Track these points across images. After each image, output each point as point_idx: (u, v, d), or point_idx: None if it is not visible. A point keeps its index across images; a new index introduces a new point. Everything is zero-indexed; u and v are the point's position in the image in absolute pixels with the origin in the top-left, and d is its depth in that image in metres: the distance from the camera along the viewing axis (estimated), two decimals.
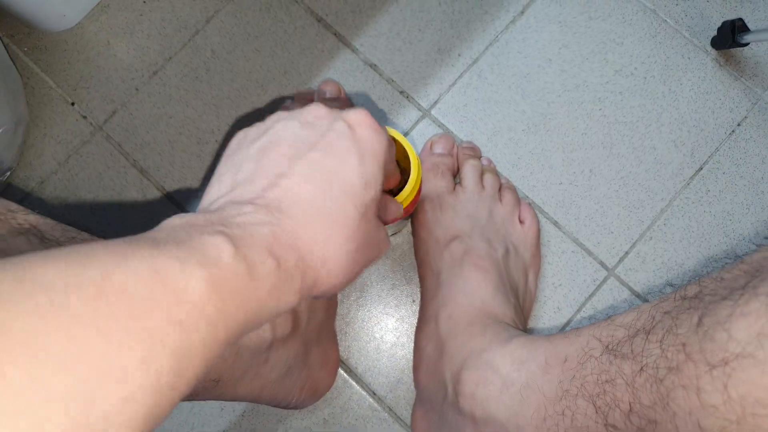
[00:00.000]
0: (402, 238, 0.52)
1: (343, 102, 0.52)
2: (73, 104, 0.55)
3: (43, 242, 0.30)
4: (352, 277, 0.27)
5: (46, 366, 0.15)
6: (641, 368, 0.29)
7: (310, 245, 0.24)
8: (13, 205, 0.32)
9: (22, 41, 0.56)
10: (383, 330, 0.51)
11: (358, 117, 0.27)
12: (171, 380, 0.18)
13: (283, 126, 0.27)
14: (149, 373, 0.17)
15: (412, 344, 0.50)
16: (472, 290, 0.45)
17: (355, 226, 0.25)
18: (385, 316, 0.51)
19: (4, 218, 0.31)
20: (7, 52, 0.51)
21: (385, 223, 0.34)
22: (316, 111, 0.28)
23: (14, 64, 0.52)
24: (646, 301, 0.51)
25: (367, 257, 0.27)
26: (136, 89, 0.55)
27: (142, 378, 0.17)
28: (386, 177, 0.29)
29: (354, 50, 0.55)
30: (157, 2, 0.56)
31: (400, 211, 0.35)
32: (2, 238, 0.28)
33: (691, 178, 0.53)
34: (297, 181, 0.25)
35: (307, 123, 0.27)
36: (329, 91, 0.52)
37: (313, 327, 0.47)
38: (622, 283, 0.51)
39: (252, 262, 0.21)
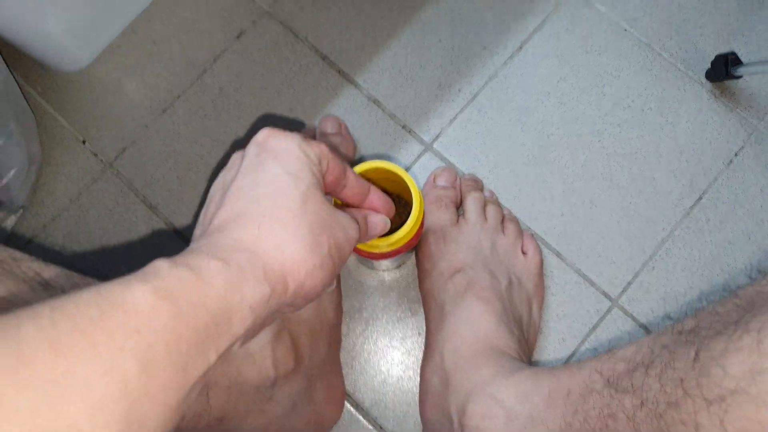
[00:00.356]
0: (406, 270, 0.53)
1: (343, 137, 0.54)
2: (84, 142, 0.56)
3: (47, 290, 0.31)
4: (326, 260, 0.27)
5: (5, 387, 0.16)
6: (641, 403, 0.30)
7: (255, 241, 0.25)
8: (18, 254, 0.33)
9: (36, 82, 0.57)
10: (389, 363, 0.51)
11: (262, 134, 0.29)
12: (142, 383, 0.19)
13: (213, 185, 0.30)
14: (114, 379, 0.18)
15: (419, 377, 0.50)
16: (476, 322, 0.46)
17: (297, 212, 0.26)
18: (391, 349, 0.51)
19: (9, 267, 0.31)
20: (22, 93, 0.53)
21: (371, 237, 0.35)
22: (234, 155, 0.31)
23: (28, 104, 0.54)
24: (649, 331, 0.51)
25: (332, 238, 0.28)
26: (146, 126, 0.56)
27: (108, 384, 0.18)
28: (330, 170, 0.30)
29: (357, 86, 0.57)
30: (167, 42, 0.58)
31: (386, 224, 0.36)
32: (7, 288, 0.29)
33: (691, 207, 0.54)
34: (227, 208, 0.27)
35: (228, 168, 0.30)
36: (330, 126, 0.53)
37: (317, 362, 0.47)
38: (626, 313, 0.52)
39: (195, 266, 0.22)
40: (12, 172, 0.50)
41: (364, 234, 0.33)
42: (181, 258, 0.23)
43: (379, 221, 0.35)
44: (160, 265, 0.22)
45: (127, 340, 0.19)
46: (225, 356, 0.23)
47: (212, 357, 0.21)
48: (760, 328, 0.25)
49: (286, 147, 0.28)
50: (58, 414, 0.17)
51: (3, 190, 0.50)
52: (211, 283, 0.22)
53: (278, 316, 0.28)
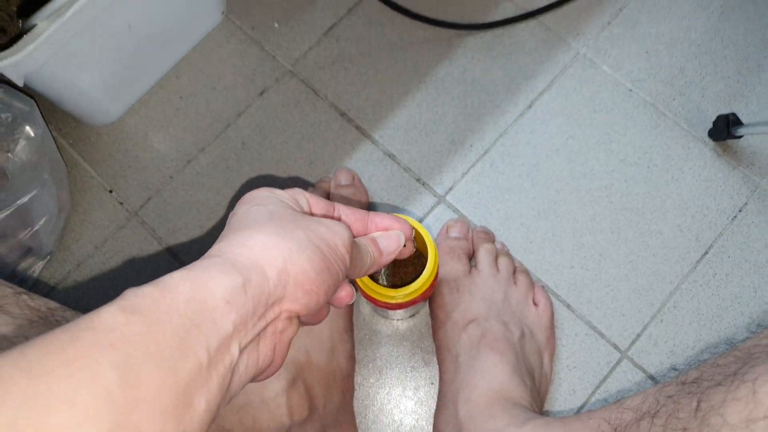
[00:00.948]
0: (420, 319, 0.54)
1: (357, 187, 0.56)
2: (111, 191, 0.59)
3: None
4: (306, 245, 0.27)
5: None
6: None
7: (220, 248, 0.26)
8: (52, 303, 0.34)
9: (69, 134, 0.60)
10: (402, 413, 0.52)
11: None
12: (127, 392, 0.19)
13: None
14: (96, 391, 0.18)
15: (431, 427, 0.50)
16: (489, 373, 0.47)
17: (263, 221, 0.28)
18: (404, 398, 0.52)
19: (44, 316, 0.33)
20: (56, 145, 0.55)
21: (389, 254, 0.34)
22: None
23: (61, 155, 0.56)
24: (658, 383, 0.52)
25: (309, 231, 0.28)
26: (171, 177, 0.59)
27: (90, 397, 0.18)
28: (313, 206, 0.32)
29: (374, 142, 0.59)
30: (193, 98, 0.61)
31: (400, 238, 0.35)
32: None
33: (698, 262, 0.55)
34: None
35: None
36: (344, 178, 0.56)
37: (331, 410, 0.48)
38: (636, 365, 0.52)
39: (158, 282, 0.23)
40: (43, 220, 0.53)
41: (379, 256, 0.33)
42: (148, 283, 0.23)
43: (392, 236, 0.34)
44: (127, 290, 0.22)
45: (102, 354, 0.19)
46: (223, 358, 0.23)
47: (203, 356, 0.22)
48: (755, 379, 0.27)
49: (254, 193, 0.30)
50: (42, 428, 0.17)
51: (33, 237, 0.52)
52: (175, 290, 0.23)
53: (281, 316, 0.26)
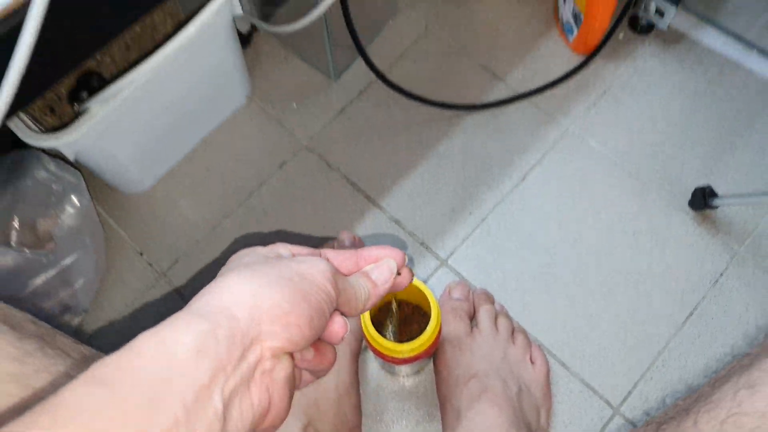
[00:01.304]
0: (425, 376, 0.58)
1: (356, 247, 0.61)
2: (141, 254, 0.64)
3: None
4: (279, 280, 0.26)
5: None
6: None
7: (193, 299, 0.26)
8: (92, 350, 0.39)
9: (105, 202, 0.67)
10: None
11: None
12: None
13: None
14: None
15: None
16: (489, 427, 0.50)
17: (234, 267, 0.28)
18: None
19: (88, 361, 0.38)
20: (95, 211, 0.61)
21: (384, 284, 0.33)
22: None
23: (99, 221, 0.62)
24: None
25: (284, 268, 0.27)
26: (197, 241, 0.64)
27: None
28: (296, 254, 0.31)
29: (381, 209, 0.65)
30: (219, 170, 0.68)
31: (391, 267, 0.34)
32: None
33: (683, 323, 0.59)
34: None
35: None
36: (347, 239, 0.61)
37: None
38: (627, 420, 0.55)
39: (125, 347, 0.23)
40: (82, 280, 0.58)
41: (373, 288, 0.32)
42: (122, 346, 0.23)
43: (383, 266, 0.33)
44: (94, 363, 0.22)
45: (61, 430, 0.19)
46: (204, 408, 0.22)
47: (179, 411, 0.21)
48: (698, 412, 0.33)
49: (236, 254, 0.31)
50: None
51: (72, 295, 0.57)
52: (140, 351, 0.22)
53: (265, 355, 0.25)
